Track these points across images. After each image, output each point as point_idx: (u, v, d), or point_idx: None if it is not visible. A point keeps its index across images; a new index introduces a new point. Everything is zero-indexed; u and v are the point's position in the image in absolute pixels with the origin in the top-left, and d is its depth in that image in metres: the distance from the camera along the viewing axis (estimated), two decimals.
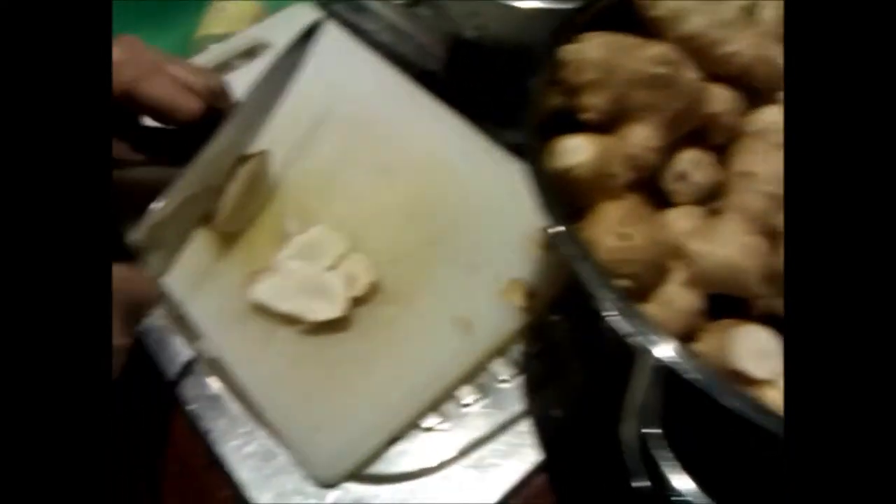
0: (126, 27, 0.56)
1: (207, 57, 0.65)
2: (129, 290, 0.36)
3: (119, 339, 0.35)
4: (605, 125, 0.37)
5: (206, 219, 0.48)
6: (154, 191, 0.44)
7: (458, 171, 0.55)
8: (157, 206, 0.43)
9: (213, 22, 0.70)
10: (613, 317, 0.29)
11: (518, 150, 0.57)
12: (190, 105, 0.46)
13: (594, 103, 0.37)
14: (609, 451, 0.41)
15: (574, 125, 0.37)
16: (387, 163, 0.56)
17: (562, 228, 0.32)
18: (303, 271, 0.49)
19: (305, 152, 0.58)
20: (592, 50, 0.36)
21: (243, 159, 0.50)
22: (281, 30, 0.66)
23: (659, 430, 0.31)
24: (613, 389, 0.33)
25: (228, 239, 0.52)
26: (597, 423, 0.42)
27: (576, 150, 0.35)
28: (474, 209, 0.53)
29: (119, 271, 0.35)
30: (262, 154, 0.52)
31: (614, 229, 0.34)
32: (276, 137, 0.53)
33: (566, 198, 0.34)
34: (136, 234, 0.41)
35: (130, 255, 0.40)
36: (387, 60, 0.64)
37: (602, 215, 0.35)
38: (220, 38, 0.68)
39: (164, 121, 0.48)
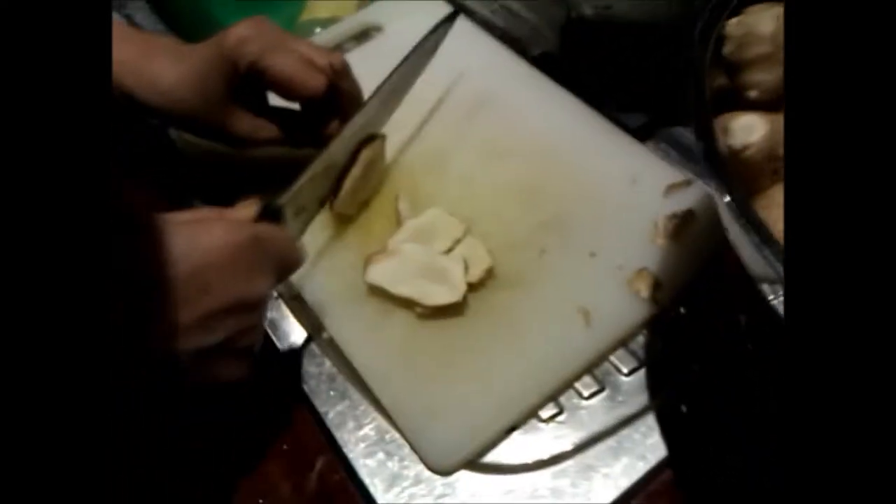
0: (231, 12, 0.57)
1: (318, 40, 0.65)
2: (279, 245, 0.40)
3: (270, 289, 0.38)
4: (772, 104, 0.34)
5: (325, 199, 0.49)
6: (277, 167, 0.45)
7: (576, 155, 0.53)
8: (301, 175, 0.44)
9: (318, 6, 0.71)
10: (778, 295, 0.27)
11: (640, 133, 0.54)
12: (314, 80, 0.47)
13: (762, 80, 0.34)
14: (741, 446, 0.39)
15: (735, 107, 0.35)
16: (503, 146, 0.55)
17: (732, 201, 0.30)
18: (420, 255, 0.48)
19: (420, 135, 0.57)
20: (762, 23, 0.34)
21: (363, 143, 0.50)
22: (390, 13, 0.67)
23: None
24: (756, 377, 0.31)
25: (344, 221, 0.52)
26: (727, 418, 0.40)
27: (748, 129, 0.33)
28: (592, 195, 0.51)
29: (268, 229, 0.39)
30: (381, 138, 0.52)
31: None
32: (392, 120, 0.53)
33: (735, 178, 0.32)
34: (282, 199, 0.43)
35: (276, 217, 0.42)
36: (501, 43, 0.63)
37: (774, 199, 0.32)
38: (325, 22, 0.68)
39: (289, 95, 0.48)
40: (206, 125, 0.48)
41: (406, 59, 0.51)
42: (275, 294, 0.49)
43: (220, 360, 0.36)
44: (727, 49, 0.36)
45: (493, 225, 0.50)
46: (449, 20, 0.55)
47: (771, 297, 0.33)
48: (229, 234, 0.36)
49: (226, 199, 0.44)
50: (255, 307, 0.38)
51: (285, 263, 0.41)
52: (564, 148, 0.54)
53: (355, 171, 0.49)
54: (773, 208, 0.33)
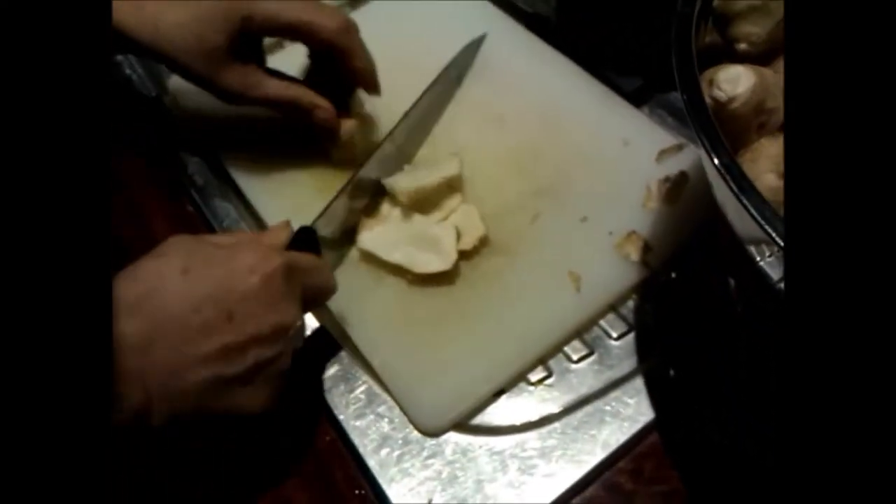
0: None
1: None
2: (310, 273, 0.40)
3: (298, 318, 0.38)
4: (762, 57, 0.34)
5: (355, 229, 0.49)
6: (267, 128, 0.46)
7: (572, 120, 0.53)
8: (333, 199, 0.46)
9: None
10: (767, 258, 0.27)
11: (635, 97, 0.54)
12: (332, 20, 0.47)
13: (751, 32, 0.34)
14: (728, 409, 0.39)
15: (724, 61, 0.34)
16: (496, 111, 0.55)
17: (720, 161, 0.29)
18: (412, 223, 0.48)
19: (410, 100, 0.57)
20: None
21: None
22: None
23: None
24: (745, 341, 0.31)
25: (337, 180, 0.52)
26: (715, 382, 0.40)
27: (735, 81, 0.32)
28: (587, 159, 0.51)
29: (300, 258, 0.39)
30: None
31: (775, 167, 0.31)
32: (385, 83, 0.53)
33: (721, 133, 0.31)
34: (316, 223, 0.44)
35: (311, 241, 0.43)
36: (497, 6, 0.62)
37: (760, 152, 0.32)
38: None
39: (308, 39, 0.48)
40: (200, 74, 0.47)
41: (434, 83, 0.52)
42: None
43: (241, 390, 0.36)
44: (717, 1, 0.36)
45: (487, 191, 0.50)
46: (476, 44, 0.55)
47: (758, 258, 0.33)
48: (260, 264, 0.36)
49: (214, 158, 0.44)
50: (282, 335, 0.37)
51: (316, 293, 0.41)
52: (559, 112, 0.54)
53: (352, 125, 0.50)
54: (759, 161, 0.33)
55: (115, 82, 0.61)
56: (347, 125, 0.50)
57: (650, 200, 0.47)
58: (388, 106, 0.53)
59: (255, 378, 0.36)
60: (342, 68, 0.49)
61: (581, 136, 0.52)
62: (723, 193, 0.31)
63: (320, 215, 0.44)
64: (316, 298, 0.41)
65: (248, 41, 0.48)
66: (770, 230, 0.27)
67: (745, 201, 0.28)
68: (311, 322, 0.46)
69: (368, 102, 0.52)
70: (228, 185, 0.53)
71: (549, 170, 0.51)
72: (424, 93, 0.51)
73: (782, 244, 0.27)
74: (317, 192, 0.51)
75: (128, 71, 0.62)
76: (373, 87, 0.51)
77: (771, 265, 0.34)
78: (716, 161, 0.30)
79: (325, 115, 0.49)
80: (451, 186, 0.49)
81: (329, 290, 0.42)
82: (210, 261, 0.35)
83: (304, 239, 0.42)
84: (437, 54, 0.58)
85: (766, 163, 0.32)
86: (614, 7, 0.56)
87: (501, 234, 0.48)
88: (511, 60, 0.58)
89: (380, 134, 0.53)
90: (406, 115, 0.51)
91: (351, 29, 0.48)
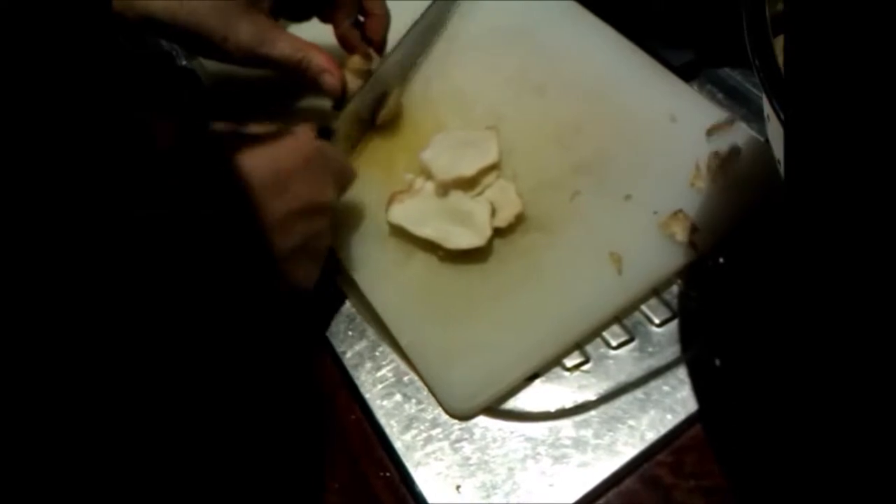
0: None
1: None
2: (338, 159, 0.44)
3: (333, 194, 0.42)
4: None
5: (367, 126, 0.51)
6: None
7: (617, 93, 0.50)
8: (352, 100, 0.48)
9: None
10: None
11: (685, 71, 0.51)
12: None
13: None
14: (777, 402, 0.37)
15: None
16: (539, 82, 0.52)
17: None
18: (446, 196, 0.46)
19: (447, 69, 0.54)
20: None
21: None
22: None
23: None
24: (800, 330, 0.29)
25: (363, 153, 0.50)
26: (764, 373, 0.38)
27: None
28: (630, 135, 0.48)
29: (328, 146, 0.43)
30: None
31: None
32: (416, 51, 0.51)
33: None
34: (336, 123, 0.46)
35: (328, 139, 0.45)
36: None
37: None
38: None
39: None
40: (213, 31, 0.45)
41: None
42: None
43: (297, 263, 0.38)
44: None
45: (524, 166, 0.48)
46: None
47: None
48: (300, 145, 0.39)
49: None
50: (325, 211, 0.40)
51: (343, 176, 0.44)
52: (603, 85, 0.51)
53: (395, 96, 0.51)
54: None
55: (151, 52, 0.60)
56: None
57: (698, 179, 0.44)
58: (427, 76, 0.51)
59: (302, 254, 0.39)
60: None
61: (626, 111, 0.49)
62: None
63: (338, 117, 0.47)
64: (344, 181, 0.44)
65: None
66: None
67: None
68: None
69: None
70: None
71: (592, 145, 0.48)
72: (430, 6, 0.52)
73: None
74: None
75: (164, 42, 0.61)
76: (378, 40, 0.51)
77: None
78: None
79: (332, 80, 0.47)
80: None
81: (352, 174, 0.45)
82: (259, 143, 0.38)
83: (325, 135, 0.45)
84: (471, 23, 0.56)
85: None
86: None
87: (539, 211, 0.46)
88: (555, 29, 0.55)
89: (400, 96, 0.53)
90: (414, 25, 0.51)
91: None
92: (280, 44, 0.47)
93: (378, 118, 0.51)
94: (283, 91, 0.52)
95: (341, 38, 0.50)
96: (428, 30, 0.52)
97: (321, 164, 0.40)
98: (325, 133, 0.45)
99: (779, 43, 0.31)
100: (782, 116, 0.27)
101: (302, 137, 0.40)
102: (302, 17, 0.51)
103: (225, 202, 0.34)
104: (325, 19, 0.51)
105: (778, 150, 0.28)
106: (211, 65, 0.55)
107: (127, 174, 0.30)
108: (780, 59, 0.30)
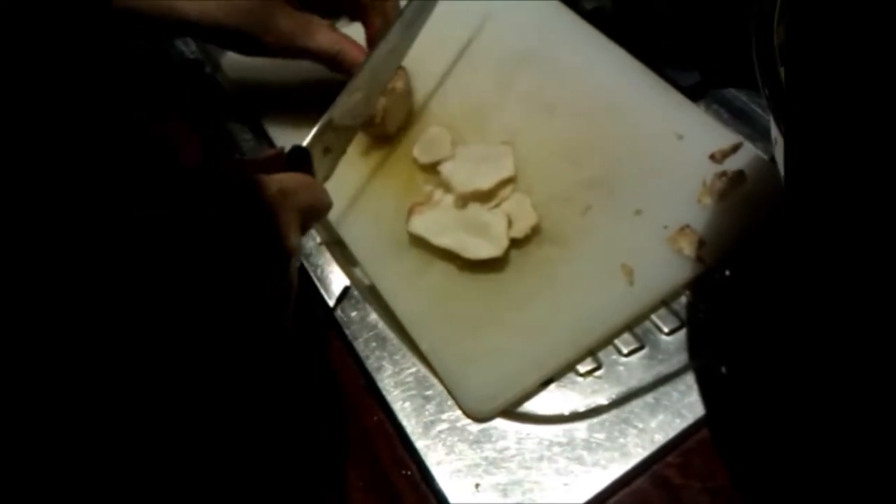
0: None
1: None
2: (304, 193, 0.38)
3: (296, 239, 0.37)
4: None
5: (352, 137, 0.49)
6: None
7: (626, 112, 0.53)
8: (327, 112, 0.45)
9: None
10: None
11: (692, 92, 0.53)
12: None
13: None
14: (780, 408, 0.39)
15: None
16: (551, 100, 0.54)
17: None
18: (464, 208, 0.48)
19: (464, 87, 0.57)
20: None
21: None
22: None
23: None
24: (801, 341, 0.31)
25: (384, 166, 0.52)
26: (768, 381, 0.40)
27: None
28: (639, 152, 0.50)
29: (293, 178, 0.38)
30: (402, 69, 0.52)
31: None
32: (436, 70, 0.53)
33: None
34: (308, 141, 0.43)
35: (304, 160, 0.42)
36: None
37: None
38: None
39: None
40: (249, 30, 0.48)
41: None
42: (318, 240, 0.50)
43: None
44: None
45: (538, 180, 0.50)
46: None
47: None
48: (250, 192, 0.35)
49: (257, 124, 0.44)
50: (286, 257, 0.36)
51: (311, 212, 0.40)
52: (613, 104, 0.53)
53: (384, 101, 0.50)
54: None
55: (165, 51, 0.63)
56: (379, 102, 0.50)
57: (705, 196, 0.47)
58: (434, 94, 0.53)
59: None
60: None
61: (634, 129, 0.52)
62: None
63: (311, 134, 0.43)
64: (312, 217, 0.40)
65: None
66: None
67: None
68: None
69: (401, 79, 0.52)
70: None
71: (602, 161, 0.51)
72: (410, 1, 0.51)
73: None
74: (359, 155, 0.52)
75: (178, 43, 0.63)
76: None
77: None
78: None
79: None
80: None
81: (324, 206, 0.41)
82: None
83: (297, 158, 0.41)
84: (486, 42, 0.58)
85: None
86: (674, 1, 0.55)
87: (553, 224, 0.48)
88: (565, 49, 0.57)
89: (411, 108, 0.54)
90: (394, 21, 0.49)
91: None
92: (318, 36, 0.49)
93: (375, 125, 0.51)
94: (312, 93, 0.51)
95: (370, 41, 0.52)
96: (403, 33, 0.50)
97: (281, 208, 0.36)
98: (299, 154, 0.42)
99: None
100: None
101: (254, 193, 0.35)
102: (331, 14, 0.53)
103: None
104: (354, 17, 0.53)
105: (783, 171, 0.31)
106: (233, 71, 0.58)
107: (129, 176, 0.30)
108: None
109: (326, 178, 0.45)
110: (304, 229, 0.39)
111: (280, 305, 0.37)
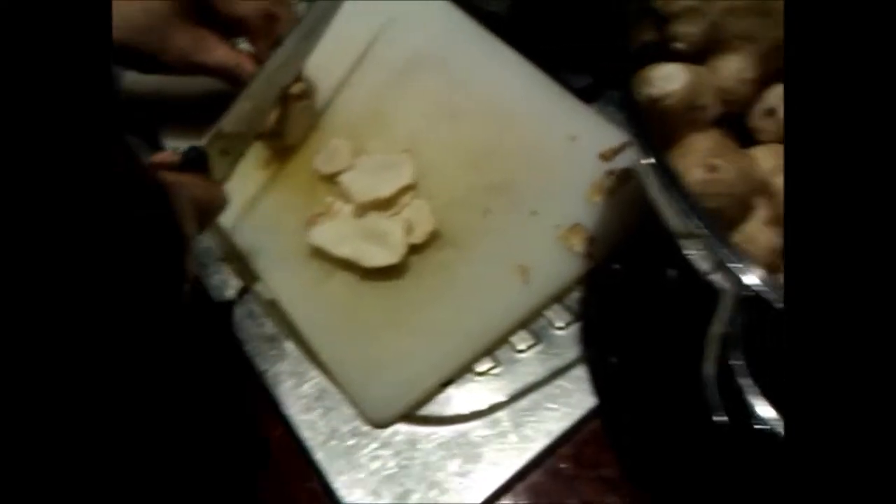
0: None
1: None
2: (199, 188, 0.40)
3: (191, 229, 0.37)
4: (697, 56, 0.35)
5: (252, 139, 0.50)
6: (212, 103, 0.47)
7: (522, 116, 0.54)
8: (224, 116, 0.46)
9: None
10: (697, 250, 0.28)
11: (584, 94, 0.55)
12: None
13: (687, 32, 0.35)
14: (666, 396, 0.40)
15: (661, 58, 0.35)
16: (450, 106, 0.55)
17: (651, 160, 0.31)
18: (363, 217, 0.49)
19: (363, 94, 0.57)
20: None
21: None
22: None
23: (742, 362, 0.31)
24: (683, 331, 0.32)
25: (284, 178, 0.52)
26: (654, 369, 0.41)
27: (669, 78, 0.34)
28: (536, 155, 0.52)
29: (189, 178, 0.40)
30: (305, 80, 0.53)
31: (703, 161, 0.33)
32: (335, 77, 0.53)
33: (654, 129, 0.33)
34: (204, 142, 0.44)
35: (201, 161, 0.43)
36: (451, 1, 0.62)
37: (690, 147, 0.33)
38: None
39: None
40: (147, 47, 0.48)
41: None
42: (215, 256, 0.50)
43: None
44: (657, 1, 0.37)
45: (438, 186, 0.51)
46: None
47: (687, 250, 0.34)
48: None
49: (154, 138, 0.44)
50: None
51: (206, 211, 0.41)
52: (510, 109, 0.54)
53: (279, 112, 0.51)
54: (688, 156, 0.34)
55: None
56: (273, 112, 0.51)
57: (595, 194, 0.48)
58: (332, 102, 0.53)
59: None
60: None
61: (530, 133, 0.53)
62: (654, 187, 0.32)
63: (207, 134, 0.45)
64: (207, 216, 0.41)
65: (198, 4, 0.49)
66: (694, 225, 0.28)
67: (675, 197, 0.29)
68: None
69: (305, 95, 0.53)
70: None
71: (501, 165, 0.51)
72: (310, 9, 0.51)
73: (705, 235, 0.28)
74: (259, 167, 0.53)
75: None
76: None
77: (703, 258, 0.35)
78: (646, 157, 0.31)
79: None
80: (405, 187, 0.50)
81: (219, 205, 0.43)
82: None
83: (194, 160, 0.43)
84: (384, 48, 0.59)
85: (694, 157, 0.33)
86: (565, 4, 0.57)
87: (453, 228, 0.49)
88: (464, 56, 0.58)
89: (315, 113, 0.55)
90: (293, 29, 0.50)
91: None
92: (215, 52, 0.49)
93: (276, 139, 0.52)
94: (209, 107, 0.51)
95: (259, 61, 0.51)
96: (300, 43, 0.51)
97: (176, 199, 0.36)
98: (195, 155, 0.43)
99: (643, 73, 0.34)
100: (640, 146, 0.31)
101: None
102: (229, 34, 0.53)
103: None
104: (246, 37, 0.53)
105: (642, 169, 0.32)
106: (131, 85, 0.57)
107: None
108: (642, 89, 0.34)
109: (225, 178, 0.46)
110: (201, 226, 0.40)
111: (173, 291, 0.36)
